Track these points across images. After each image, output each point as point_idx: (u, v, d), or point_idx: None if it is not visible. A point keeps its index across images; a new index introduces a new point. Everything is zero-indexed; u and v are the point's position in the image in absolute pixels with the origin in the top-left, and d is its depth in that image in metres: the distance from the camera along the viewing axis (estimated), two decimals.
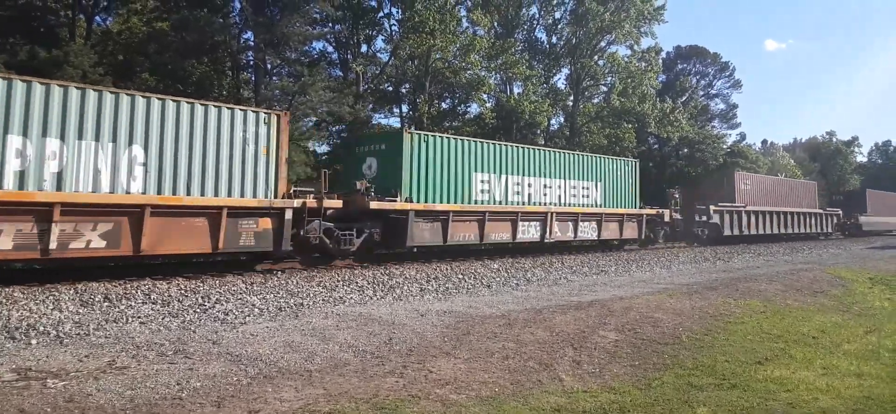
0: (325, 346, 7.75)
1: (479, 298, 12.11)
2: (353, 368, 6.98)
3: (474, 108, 39.46)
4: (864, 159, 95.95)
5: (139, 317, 8.86)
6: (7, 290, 10.12)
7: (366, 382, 6.46)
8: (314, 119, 30.34)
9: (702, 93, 67.45)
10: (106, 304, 9.42)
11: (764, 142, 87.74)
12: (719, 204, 31.25)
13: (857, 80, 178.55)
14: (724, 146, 61.38)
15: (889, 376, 7.52)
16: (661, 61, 48.63)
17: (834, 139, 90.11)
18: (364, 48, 34.87)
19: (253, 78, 30.20)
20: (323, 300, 11.00)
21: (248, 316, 9.44)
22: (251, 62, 30.12)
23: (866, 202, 48.71)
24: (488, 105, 37.42)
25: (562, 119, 45.22)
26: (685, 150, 55.51)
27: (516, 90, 40.15)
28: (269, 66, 30.24)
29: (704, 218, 30.31)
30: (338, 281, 12.75)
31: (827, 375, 7.47)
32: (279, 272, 13.51)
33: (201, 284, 11.46)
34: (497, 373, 7.08)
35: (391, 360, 7.35)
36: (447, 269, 15.39)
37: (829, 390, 6.84)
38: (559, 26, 42.37)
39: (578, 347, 8.32)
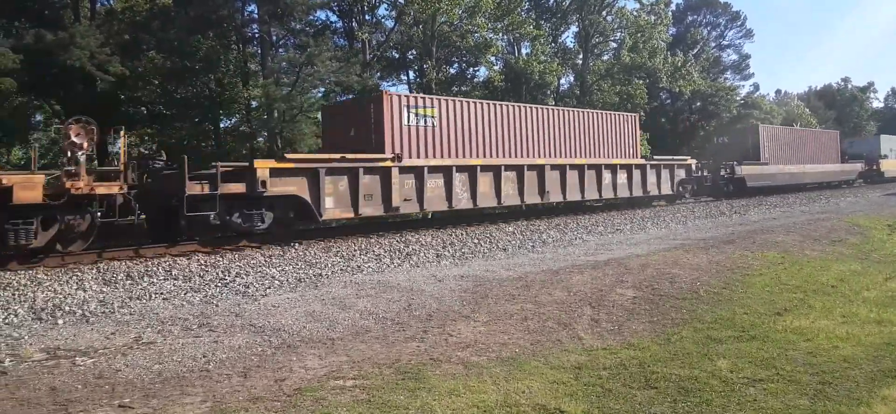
0: (345, 314, 7.85)
1: (496, 261, 12.17)
2: (375, 334, 7.07)
3: (483, 72, 39.18)
4: (881, 105, 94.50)
5: (162, 293, 8.99)
6: (30, 271, 10.30)
7: (388, 348, 6.55)
8: (322, 90, 30.30)
9: (713, 44, 66.51)
10: (129, 282, 9.56)
11: (778, 91, 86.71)
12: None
13: (871, 23, 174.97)
14: (738, 98, 60.62)
15: None
16: (670, 14, 47.84)
17: (849, 86, 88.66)
18: (368, 16, 34.58)
19: (259, 51, 30.12)
20: (341, 270, 11.10)
21: (269, 288, 9.56)
22: (257, 35, 30.00)
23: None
24: (496, 68, 37.10)
25: (572, 78, 44.79)
26: (698, 103, 54.90)
27: (524, 51, 39.74)
28: (274, 38, 30.11)
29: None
30: (354, 250, 12.85)
31: (847, 324, 7.48)
32: (296, 244, 13.62)
33: (221, 259, 11.59)
34: (516, 334, 7.14)
35: (411, 325, 7.43)
36: (462, 234, 15.45)
37: (850, 338, 6.85)
38: None
39: (596, 306, 8.37)
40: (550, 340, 6.99)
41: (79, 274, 9.98)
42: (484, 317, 7.79)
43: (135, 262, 11.09)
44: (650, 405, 5.06)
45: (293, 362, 6.06)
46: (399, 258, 12.24)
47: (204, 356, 6.15)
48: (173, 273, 10.23)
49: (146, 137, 31.57)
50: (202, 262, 11.24)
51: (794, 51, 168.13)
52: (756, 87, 77.28)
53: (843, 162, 41.39)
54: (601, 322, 7.72)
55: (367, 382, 5.55)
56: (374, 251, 12.77)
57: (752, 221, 19.08)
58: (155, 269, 10.46)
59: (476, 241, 14.38)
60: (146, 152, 32.29)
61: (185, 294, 9.03)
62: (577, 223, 18.09)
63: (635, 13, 42.08)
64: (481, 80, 39.57)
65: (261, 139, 30.46)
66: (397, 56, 37.14)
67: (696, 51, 57.75)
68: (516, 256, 12.71)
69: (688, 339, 6.98)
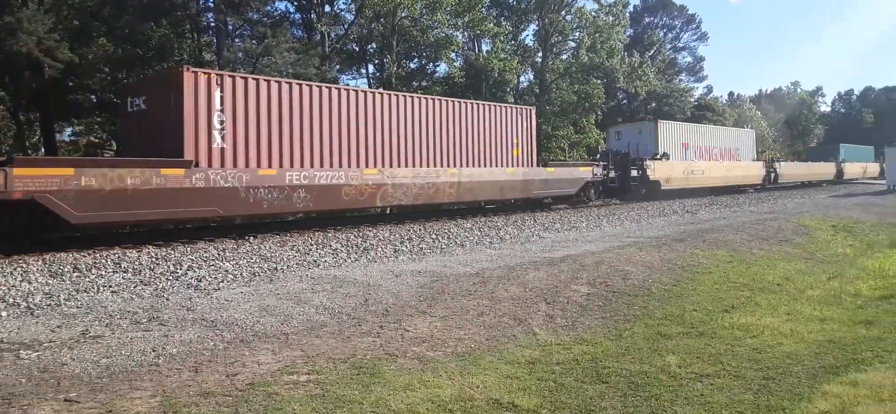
0: (300, 309, 7.78)
1: (453, 257, 12.21)
2: (330, 329, 7.03)
3: (443, 68, 39.24)
4: (828, 109, 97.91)
5: (110, 286, 8.76)
6: None
7: (343, 343, 6.52)
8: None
9: (669, 46, 68.04)
10: (76, 274, 9.28)
11: (730, 94, 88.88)
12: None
13: (821, 30, 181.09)
14: (692, 99, 62.08)
15: (850, 320, 7.82)
16: (628, 15, 48.67)
17: (798, 89, 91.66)
18: (328, 8, 34.27)
19: (215, 40, 29.57)
20: (297, 264, 10.99)
21: (222, 282, 9.40)
22: (212, 24, 29.45)
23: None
24: (457, 64, 37.19)
25: (531, 76, 45.21)
26: (653, 103, 56.04)
27: (485, 48, 39.94)
28: (230, 27, 29.61)
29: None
30: (311, 244, 12.73)
31: (791, 321, 7.75)
32: (251, 237, 13.42)
33: (172, 252, 11.34)
34: (472, 329, 7.19)
35: (368, 320, 7.41)
36: (420, 229, 15.45)
37: (793, 335, 7.10)
38: None
39: (551, 302, 8.47)
40: (506, 335, 7.05)
41: (24, 265, 9.64)
42: (440, 312, 7.82)
43: (82, 253, 10.76)
44: (601, 399, 5.16)
45: (246, 357, 5.98)
46: (356, 253, 12.18)
47: (154, 350, 6.01)
48: (123, 265, 9.97)
49: (95, 126, 30.69)
50: (153, 254, 10.98)
51: (747, 56, 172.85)
52: (709, 89, 79.29)
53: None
54: (556, 318, 7.83)
55: (322, 376, 5.51)
56: (331, 246, 12.67)
57: (702, 219, 19.57)
58: (103, 261, 10.18)
59: (434, 236, 14.40)
60: (95, 141, 31.46)
61: (134, 287, 8.81)
62: (534, 221, 18.28)
63: (594, 13, 42.68)
64: (441, 75, 39.64)
65: None
66: (357, 49, 36.91)
67: (652, 52, 58.92)
68: (474, 252, 12.77)
69: (639, 335, 7.13)
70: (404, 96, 18.00)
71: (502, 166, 20.51)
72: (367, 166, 16.43)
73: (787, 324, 7.60)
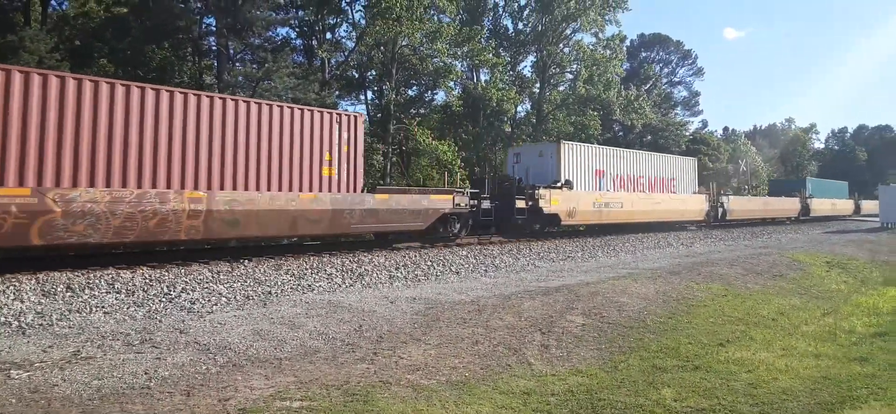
0: (294, 334, 7.73)
1: (448, 284, 12.18)
2: (324, 355, 6.98)
3: (441, 96, 39.48)
4: (822, 146, 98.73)
5: (103, 306, 8.70)
6: None
7: (337, 369, 6.47)
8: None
9: (665, 80, 68.68)
10: (68, 294, 9.22)
11: (725, 129, 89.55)
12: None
13: (816, 68, 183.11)
14: (687, 133, 62.51)
15: (845, 357, 7.82)
16: (625, 49, 49.17)
17: (792, 126, 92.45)
18: (329, 35, 34.54)
19: (216, 63, 29.75)
20: (291, 288, 10.94)
21: (216, 305, 9.35)
22: (213, 48, 29.65)
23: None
24: (455, 93, 37.44)
25: (528, 106, 45.51)
26: (649, 136, 56.39)
27: (483, 78, 40.24)
28: (231, 51, 29.80)
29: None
30: (306, 268, 12.69)
31: (786, 356, 7.73)
32: (246, 261, 13.37)
33: (166, 274, 11.29)
34: (467, 358, 7.15)
35: (361, 347, 7.37)
36: (415, 256, 15.42)
37: (789, 371, 7.08)
38: (525, 13, 42.55)
39: (546, 332, 8.45)
40: (500, 364, 7.02)
41: (16, 284, 9.58)
42: (435, 340, 7.78)
43: (76, 273, 10.70)
44: None
45: (238, 382, 5.93)
46: (351, 278, 12.14)
47: (145, 373, 5.96)
48: (116, 286, 9.91)
49: None
50: (147, 276, 10.93)
51: (742, 91, 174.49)
52: (705, 123, 79.86)
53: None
54: (550, 348, 7.80)
55: (315, 403, 5.47)
56: (325, 271, 12.64)
57: (697, 253, 19.59)
58: (96, 281, 10.12)
59: (429, 263, 14.37)
60: None
61: (127, 308, 8.75)
62: (529, 249, 18.27)
63: (591, 47, 43.09)
64: (440, 104, 39.87)
65: None
66: (357, 76, 37.14)
67: (648, 86, 59.44)
68: (469, 280, 12.75)
69: (634, 367, 7.10)
70: (100, 82, 11.93)
71: (297, 190, 14.64)
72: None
73: (782, 359, 7.59)
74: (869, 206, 54.15)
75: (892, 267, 19.32)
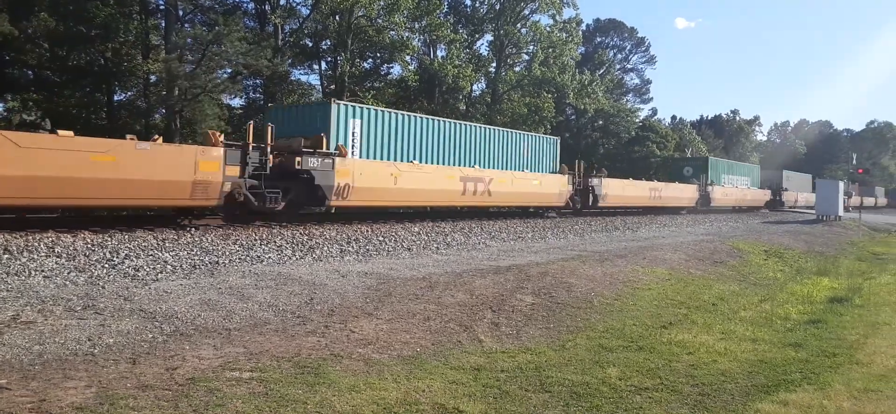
0: (243, 305, 7.62)
1: (400, 260, 12.18)
2: (274, 327, 6.92)
3: (397, 70, 39.15)
4: (764, 138, 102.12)
5: (43, 270, 8.39)
6: None
7: (287, 342, 6.42)
8: (229, 70, 29.29)
9: (618, 67, 69.64)
10: (6, 256, 8.83)
11: (673, 117, 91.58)
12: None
13: (761, 61, 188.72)
14: (637, 120, 63.69)
15: (781, 342, 8.16)
16: (581, 33, 49.65)
17: (737, 118, 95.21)
18: (282, 1, 33.75)
19: (163, 24, 28.75)
20: (240, 259, 10.75)
21: (161, 273, 9.13)
22: (161, 6, 28.66)
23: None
24: (411, 67, 37.19)
25: (484, 85, 45.56)
26: (600, 122, 57.27)
27: (440, 54, 40.06)
28: (180, 12, 28.86)
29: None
30: (255, 239, 12.48)
31: (725, 340, 8.03)
32: (192, 229, 13.06)
33: (109, 239, 10.93)
34: (418, 333, 7.19)
35: (313, 319, 7.32)
36: (367, 230, 15.35)
37: (727, 354, 7.36)
38: None
39: (497, 310, 8.55)
40: (451, 341, 7.08)
41: None
42: (387, 315, 7.79)
43: (14, 235, 10.27)
44: (544, 408, 5.24)
45: (186, 351, 5.82)
46: (301, 251, 12.01)
47: (89, 339, 5.79)
48: (56, 250, 9.55)
49: (31, 103, 29.35)
50: (89, 240, 10.56)
51: (690, 81, 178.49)
52: (654, 111, 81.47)
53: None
54: (501, 326, 7.91)
55: (265, 374, 5.42)
56: (275, 242, 12.46)
57: (643, 237, 20.09)
58: (36, 244, 9.73)
59: (381, 238, 14.33)
60: (29, 119, 30.11)
61: (68, 273, 8.46)
62: (481, 228, 18.41)
63: (549, 28, 43.34)
64: (395, 78, 39.55)
65: (158, 116, 29.06)
66: (311, 45, 36.46)
67: (601, 71, 60.20)
68: (421, 257, 12.77)
69: (581, 346, 7.27)
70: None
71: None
72: None
73: (721, 342, 7.88)
74: (808, 198, 51.50)
75: (825, 258, 20.23)
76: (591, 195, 27.79)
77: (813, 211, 42.15)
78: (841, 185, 39.20)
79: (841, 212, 37.30)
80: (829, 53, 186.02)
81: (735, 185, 42.40)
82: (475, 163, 21.80)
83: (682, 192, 35.65)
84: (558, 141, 27.83)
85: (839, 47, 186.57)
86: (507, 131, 24.93)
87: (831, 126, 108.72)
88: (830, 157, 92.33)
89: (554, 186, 25.35)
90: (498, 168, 22.74)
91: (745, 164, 51.04)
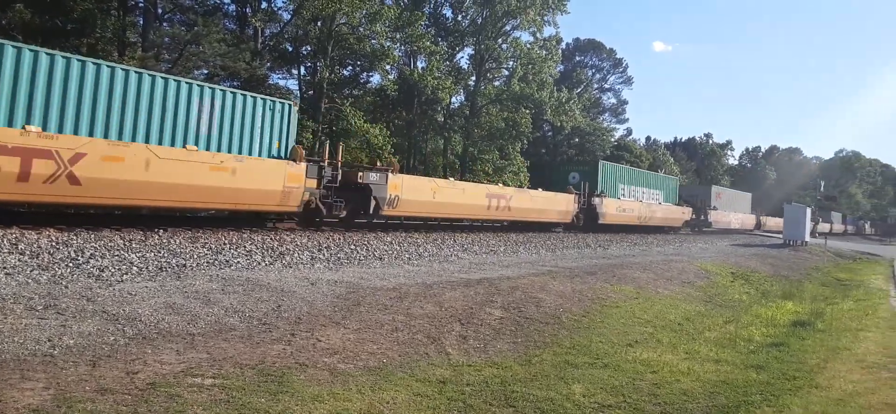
0: (209, 309, 7.54)
1: (371, 270, 12.15)
2: (239, 333, 6.85)
3: (377, 79, 39.11)
4: (736, 162, 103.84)
5: (5, 267, 8.21)
6: None
7: (252, 349, 6.36)
8: (206, 71, 29.03)
9: (596, 86, 70.42)
10: None
11: (648, 138, 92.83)
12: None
13: (736, 86, 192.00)
14: (612, 139, 64.41)
15: (743, 363, 8.29)
16: (560, 51, 50.12)
17: (710, 141, 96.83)
18: (264, 3, 33.59)
19: (141, 21, 28.43)
20: (207, 263, 10.64)
21: (126, 274, 8.99)
22: (140, 4, 28.33)
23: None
24: (391, 77, 37.20)
25: (463, 98, 45.73)
26: (576, 139, 57.80)
27: (420, 65, 40.14)
28: (159, 10, 28.57)
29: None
30: (224, 243, 12.36)
31: (689, 360, 8.14)
32: (161, 230, 12.90)
33: (75, 238, 10.74)
34: (386, 344, 7.17)
35: (279, 327, 7.27)
36: (339, 238, 15.28)
37: (690, 373, 7.46)
38: (465, 4, 42.69)
39: (466, 323, 8.57)
40: (419, 352, 7.08)
41: None
42: (355, 324, 7.76)
43: None
44: None
45: (148, 355, 5.74)
46: (271, 257, 11.92)
47: (49, 340, 5.68)
48: (20, 247, 9.36)
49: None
50: (53, 238, 10.37)
51: (666, 103, 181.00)
52: (629, 131, 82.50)
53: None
54: (469, 339, 7.92)
55: (228, 381, 5.36)
56: (245, 247, 12.35)
57: (613, 255, 20.29)
58: None
59: (352, 247, 14.28)
60: None
61: (31, 271, 8.29)
62: (453, 240, 18.44)
63: (528, 45, 43.68)
64: (375, 86, 39.51)
65: None
66: (291, 49, 36.28)
67: (579, 89, 60.85)
68: (392, 267, 12.75)
69: (548, 362, 7.31)
70: None
71: None
72: None
73: (685, 362, 7.98)
74: (743, 219, 51.13)
75: (791, 282, 20.61)
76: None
77: (744, 233, 45.79)
78: (808, 210, 39.97)
79: (807, 237, 38.02)
80: (800, 82, 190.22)
81: (639, 198, 34.09)
82: None
83: (557, 205, 26.84)
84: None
85: (811, 77, 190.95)
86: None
87: (801, 153, 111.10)
88: (800, 183, 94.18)
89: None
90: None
91: (659, 174, 42.45)
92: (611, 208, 30.40)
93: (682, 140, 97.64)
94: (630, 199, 33.12)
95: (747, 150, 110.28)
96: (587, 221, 28.95)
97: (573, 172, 31.27)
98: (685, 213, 39.46)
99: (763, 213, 58.60)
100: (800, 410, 6.29)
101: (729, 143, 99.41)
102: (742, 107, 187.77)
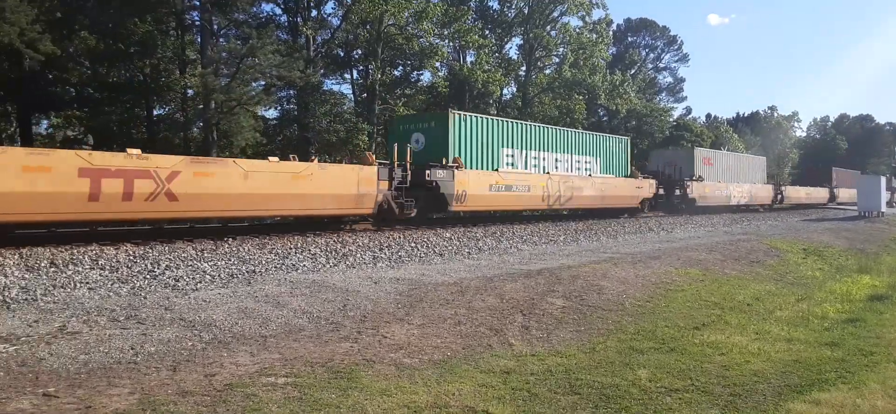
0: (279, 312, 7.82)
1: (432, 266, 12.31)
2: (308, 333, 7.09)
3: (427, 77, 39.41)
4: (804, 134, 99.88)
5: (87, 282, 8.72)
6: None
7: (321, 347, 6.58)
8: (263, 83, 29.88)
9: (650, 66, 68.94)
10: (52, 269, 9.22)
11: (708, 115, 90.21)
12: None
13: (799, 56, 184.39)
14: (671, 119, 62.93)
15: (816, 341, 8.06)
16: (611, 33, 49.34)
17: (775, 114, 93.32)
18: (314, 12, 34.29)
19: (199, 39, 29.47)
20: (275, 267, 11.00)
21: (200, 282, 9.40)
22: (197, 22, 29.36)
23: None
24: (441, 74, 37.41)
25: (514, 89, 45.58)
26: (633, 122, 56.72)
27: (469, 59, 40.20)
28: (215, 27, 29.53)
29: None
30: (290, 248, 12.75)
31: (759, 340, 7.96)
32: (230, 239, 13.41)
33: (150, 251, 11.30)
34: (449, 338, 7.29)
35: (346, 326, 7.48)
36: (399, 237, 15.52)
37: (761, 354, 7.30)
38: None
39: (528, 314, 8.61)
40: (482, 344, 7.17)
41: (0, 259, 9.56)
42: (418, 320, 7.91)
43: (59, 249, 10.69)
44: (573, 410, 5.29)
45: (224, 358, 6.02)
46: (335, 259, 12.22)
47: (132, 348, 6.03)
48: (100, 262, 9.92)
49: (74, 120, 30.36)
50: (130, 252, 10.94)
51: (725, 78, 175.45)
52: (688, 110, 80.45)
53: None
54: (531, 329, 7.96)
55: (299, 380, 5.58)
56: (309, 250, 12.70)
57: (678, 238, 19.88)
58: (80, 257, 10.12)
59: (413, 245, 14.49)
60: (72, 136, 31.14)
61: (111, 285, 8.78)
62: (512, 232, 18.45)
63: (578, 30, 43.19)
64: (426, 84, 39.83)
65: (196, 129, 29.77)
66: (342, 55, 36.95)
67: (633, 71, 59.69)
68: (452, 262, 12.88)
69: (612, 348, 7.29)
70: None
71: None
72: None
73: (755, 343, 7.81)
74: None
75: (867, 255, 19.76)
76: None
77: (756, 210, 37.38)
78: (883, 180, 38.16)
79: (883, 207, 36.31)
80: (868, 43, 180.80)
81: (564, 170, 25.08)
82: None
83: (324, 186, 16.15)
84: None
85: (879, 35, 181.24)
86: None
87: (873, 120, 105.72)
88: (873, 151, 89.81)
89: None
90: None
91: (591, 133, 28.94)
92: (472, 184, 19.89)
93: (745, 115, 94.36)
94: (524, 174, 22.73)
95: (815, 120, 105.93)
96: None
97: (416, 134, 21.30)
98: (643, 187, 28.94)
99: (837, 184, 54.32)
100: (877, 385, 6.09)
101: (795, 114, 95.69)
102: (807, 76, 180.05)
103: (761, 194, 39.21)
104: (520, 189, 21.79)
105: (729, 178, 36.59)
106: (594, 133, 29.42)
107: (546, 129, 25.37)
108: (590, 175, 26.36)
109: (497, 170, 21.51)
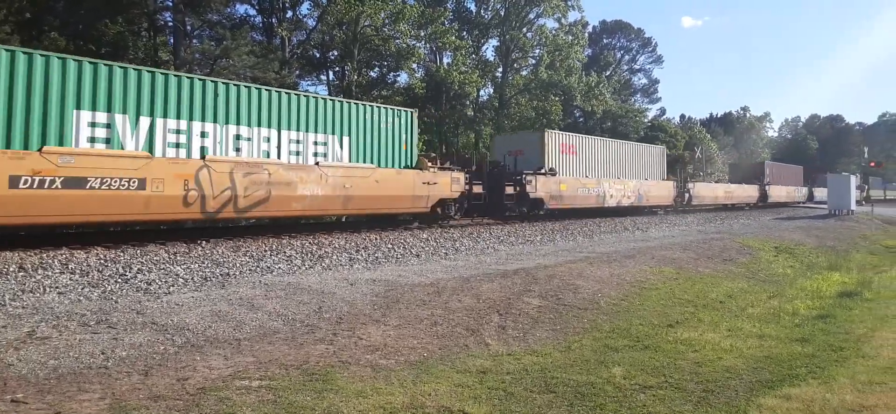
0: (253, 315, 7.75)
1: (409, 267, 12.28)
2: (283, 336, 7.03)
3: (404, 78, 39.38)
4: (775, 134, 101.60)
5: (57, 287, 8.56)
6: None
7: (296, 350, 6.54)
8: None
9: (625, 67, 69.64)
10: (21, 273, 9.04)
11: (682, 116, 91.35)
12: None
13: (770, 58, 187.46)
14: (646, 120, 63.60)
15: (787, 338, 8.19)
16: (586, 35, 49.71)
17: (747, 114, 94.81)
18: (289, 13, 34.08)
19: (172, 40, 29.15)
20: (250, 270, 10.90)
21: (173, 286, 9.28)
22: (170, 23, 29.06)
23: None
24: (418, 75, 37.41)
25: (491, 90, 45.73)
26: (608, 123, 57.21)
27: (446, 60, 40.25)
28: (189, 27, 29.23)
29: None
30: (265, 250, 12.64)
31: (732, 337, 8.07)
32: (203, 242, 13.25)
33: (122, 254, 11.12)
34: (426, 338, 7.29)
35: (321, 327, 7.43)
36: (376, 238, 15.48)
37: (733, 350, 7.41)
38: None
39: (504, 314, 8.63)
40: (458, 345, 7.17)
41: None
42: (394, 321, 7.89)
43: (28, 253, 10.48)
44: (549, 408, 5.32)
45: (197, 362, 5.95)
46: (311, 260, 12.15)
47: (102, 353, 5.93)
48: (70, 266, 9.74)
49: None
50: (101, 256, 10.76)
51: (699, 80, 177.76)
52: (663, 110, 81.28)
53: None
54: (507, 329, 7.99)
55: (274, 382, 5.53)
56: (285, 252, 12.61)
57: (652, 237, 20.08)
58: (50, 261, 9.93)
59: (390, 246, 14.45)
60: None
61: (82, 289, 8.63)
62: (489, 233, 18.49)
63: (554, 32, 43.46)
64: (402, 85, 39.79)
65: None
66: (318, 55, 36.77)
67: (608, 72, 60.23)
68: (429, 263, 12.87)
69: (587, 347, 7.34)
70: None
71: None
72: None
73: (727, 339, 7.92)
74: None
75: (837, 253, 20.14)
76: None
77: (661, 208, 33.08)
78: (852, 179, 38.94)
79: (853, 206, 37.05)
80: (839, 45, 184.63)
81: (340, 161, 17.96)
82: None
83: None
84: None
85: (850, 38, 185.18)
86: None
87: (843, 120, 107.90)
88: (843, 151, 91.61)
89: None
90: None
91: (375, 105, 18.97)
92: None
93: (718, 116, 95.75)
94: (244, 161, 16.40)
95: (786, 120, 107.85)
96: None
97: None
98: (440, 184, 19.78)
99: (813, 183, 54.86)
100: (846, 379, 6.21)
101: (767, 114, 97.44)
102: (778, 77, 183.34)
103: (656, 193, 31.77)
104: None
105: (605, 172, 28.83)
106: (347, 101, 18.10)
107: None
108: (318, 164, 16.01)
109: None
